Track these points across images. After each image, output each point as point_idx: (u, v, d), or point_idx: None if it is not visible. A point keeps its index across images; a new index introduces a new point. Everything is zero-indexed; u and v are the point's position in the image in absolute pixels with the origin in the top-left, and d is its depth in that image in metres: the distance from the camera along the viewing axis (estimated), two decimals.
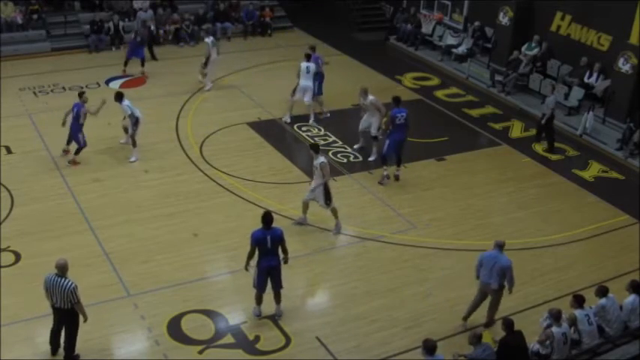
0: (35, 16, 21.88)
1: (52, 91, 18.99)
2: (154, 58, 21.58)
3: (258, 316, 11.09)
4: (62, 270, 9.54)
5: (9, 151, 15.58)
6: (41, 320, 10.68)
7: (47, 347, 10.21)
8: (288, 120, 17.81)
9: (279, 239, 10.61)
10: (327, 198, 13.16)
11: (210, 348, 10.42)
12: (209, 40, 19.46)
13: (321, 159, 13.15)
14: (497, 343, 9.68)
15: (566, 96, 19.11)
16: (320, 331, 10.88)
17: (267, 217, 10.56)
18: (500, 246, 10.64)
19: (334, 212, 13.29)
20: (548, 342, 9.70)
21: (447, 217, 14.23)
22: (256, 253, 10.65)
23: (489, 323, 11.04)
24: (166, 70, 21.02)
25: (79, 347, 10.16)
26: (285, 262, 10.89)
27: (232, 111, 18.12)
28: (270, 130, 17.26)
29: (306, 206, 13.41)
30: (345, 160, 16.13)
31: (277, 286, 10.90)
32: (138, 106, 17.10)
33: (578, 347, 10.08)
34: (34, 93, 18.79)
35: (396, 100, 15.14)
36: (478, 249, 13.10)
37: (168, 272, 11.95)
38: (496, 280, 10.58)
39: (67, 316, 9.78)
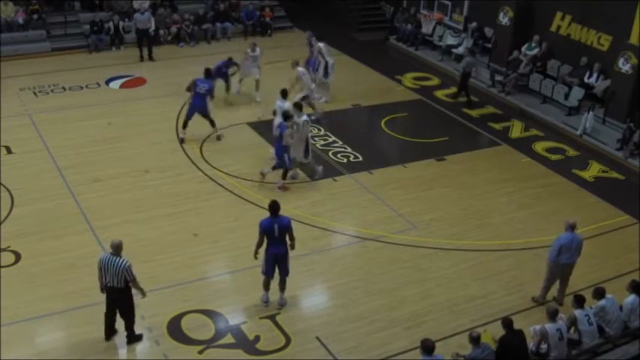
0: (35, 16, 21.88)
1: (52, 91, 19.00)
2: (150, 59, 21.56)
3: (266, 303, 11.25)
4: (117, 249, 9.76)
5: (9, 151, 15.58)
6: (41, 320, 10.72)
7: (47, 347, 10.24)
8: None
9: (286, 227, 10.81)
10: (307, 151, 14.87)
11: (210, 348, 10.42)
12: (321, 44, 19.04)
13: (304, 117, 14.68)
14: (497, 343, 9.68)
15: (566, 96, 19.12)
16: (320, 331, 10.88)
17: (274, 206, 10.78)
18: (573, 227, 11.37)
19: (313, 164, 15.07)
20: (543, 341, 9.71)
21: (447, 217, 14.23)
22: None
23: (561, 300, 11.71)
24: (166, 70, 21.03)
25: (80, 345, 10.21)
26: (292, 247, 11.04)
27: (232, 111, 18.10)
28: (270, 130, 17.21)
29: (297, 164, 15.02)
30: (345, 160, 16.13)
31: (284, 273, 11.11)
32: (138, 106, 17.19)
33: (578, 347, 10.09)
34: (34, 93, 18.80)
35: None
36: (478, 249, 13.19)
37: (168, 272, 11.95)
38: (576, 256, 11.46)
39: (120, 295, 9.95)
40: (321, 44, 19.04)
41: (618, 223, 14.40)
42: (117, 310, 10.18)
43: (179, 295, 11.43)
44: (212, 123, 16.45)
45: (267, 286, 11.24)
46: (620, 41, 18.16)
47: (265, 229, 10.73)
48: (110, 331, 10.35)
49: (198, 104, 16.13)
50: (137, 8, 21.92)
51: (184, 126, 16.30)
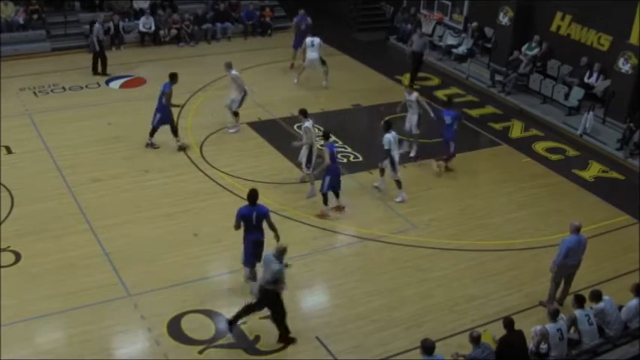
0: (35, 16, 21.87)
1: (52, 91, 18.99)
2: (104, 72, 20.14)
3: (255, 294, 11.34)
4: (279, 253, 10.14)
5: (9, 151, 15.57)
6: (41, 320, 10.72)
7: (47, 347, 10.26)
8: (295, 81, 19.96)
9: (263, 215, 11.09)
10: (309, 161, 14.29)
11: (210, 348, 10.42)
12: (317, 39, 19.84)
13: (307, 123, 14.27)
14: (497, 343, 9.68)
15: (566, 96, 19.12)
16: (320, 331, 10.88)
17: (252, 194, 11.08)
18: (578, 229, 11.33)
19: (310, 177, 14.46)
20: (543, 341, 9.71)
21: (447, 217, 14.23)
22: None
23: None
24: (166, 70, 20.89)
25: (80, 345, 10.22)
26: (277, 238, 11.00)
27: None
28: (270, 130, 17.27)
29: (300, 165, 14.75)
30: (345, 160, 16.12)
31: (259, 259, 11.26)
32: (138, 106, 17.16)
33: (578, 347, 10.08)
34: (34, 93, 18.79)
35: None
36: (478, 249, 13.19)
37: (169, 272, 11.95)
38: (581, 256, 11.48)
39: (267, 296, 10.25)
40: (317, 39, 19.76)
41: (618, 223, 14.41)
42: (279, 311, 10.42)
43: (179, 295, 11.43)
44: (153, 130, 15.79)
45: (252, 278, 11.41)
46: (620, 41, 18.16)
47: (243, 216, 11.03)
48: (236, 318, 10.62)
49: (156, 107, 15.70)
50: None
51: (175, 133, 15.93)
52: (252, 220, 11.01)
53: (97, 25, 20.11)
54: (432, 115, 16.10)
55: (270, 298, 10.26)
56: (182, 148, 15.97)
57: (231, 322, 10.62)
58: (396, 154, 14.36)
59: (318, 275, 12.39)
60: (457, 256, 12.99)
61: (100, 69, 20.15)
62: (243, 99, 16.80)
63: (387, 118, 15.28)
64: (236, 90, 16.74)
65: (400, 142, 14.90)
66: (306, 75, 20.21)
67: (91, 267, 11.94)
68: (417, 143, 16.45)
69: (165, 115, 15.69)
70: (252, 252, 11.19)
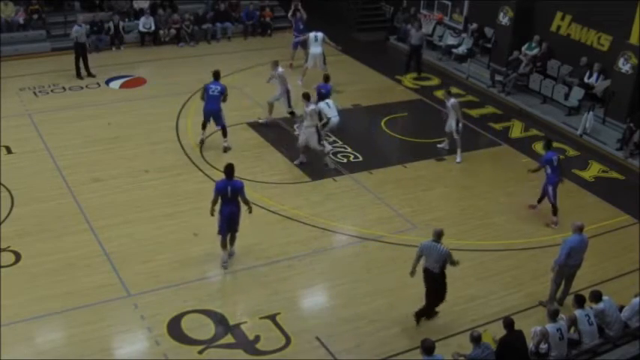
0: (35, 16, 21.88)
1: (52, 91, 18.99)
2: (89, 74, 19.94)
3: (225, 263, 12.12)
4: (438, 236, 10.62)
5: (9, 151, 15.58)
6: (41, 320, 10.72)
7: (47, 347, 10.25)
8: (300, 83, 19.59)
9: (238, 190, 11.77)
10: (319, 139, 15.36)
11: (210, 348, 10.42)
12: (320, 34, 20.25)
13: (312, 106, 15.25)
14: (497, 343, 9.68)
15: (566, 96, 19.13)
16: (320, 331, 10.88)
17: (229, 169, 11.83)
18: (581, 228, 11.37)
19: (327, 153, 15.70)
20: (543, 341, 9.72)
21: (447, 217, 14.22)
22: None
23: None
24: (166, 70, 21.03)
25: (79, 345, 10.22)
26: (249, 211, 11.98)
27: (232, 111, 18.02)
28: (270, 130, 17.27)
29: (305, 148, 15.58)
30: (346, 160, 16.13)
31: (234, 230, 12.09)
32: (138, 106, 17.10)
33: (578, 347, 10.08)
34: (34, 93, 18.79)
35: None
36: (479, 249, 13.20)
37: (168, 272, 11.95)
38: (583, 256, 11.50)
39: (434, 279, 10.74)
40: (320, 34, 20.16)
41: (618, 223, 14.40)
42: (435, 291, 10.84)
43: (179, 295, 11.43)
44: (224, 131, 16.03)
45: (224, 246, 12.06)
46: (620, 41, 18.16)
47: (219, 190, 11.73)
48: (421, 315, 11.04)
49: (212, 107, 15.69)
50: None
51: (203, 127, 16.02)
52: (228, 193, 11.66)
53: (75, 27, 19.80)
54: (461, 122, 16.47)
55: (437, 280, 10.70)
56: (201, 142, 16.26)
57: (418, 318, 11.02)
58: (334, 118, 15.95)
59: (318, 275, 12.38)
60: (457, 256, 12.91)
61: (83, 71, 19.90)
62: (289, 97, 17.12)
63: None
64: (279, 88, 17.07)
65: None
66: (308, 76, 20.17)
67: (90, 267, 11.94)
68: (459, 145, 16.54)
69: (218, 110, 15.82)
70: (227, 223, 11.83)
